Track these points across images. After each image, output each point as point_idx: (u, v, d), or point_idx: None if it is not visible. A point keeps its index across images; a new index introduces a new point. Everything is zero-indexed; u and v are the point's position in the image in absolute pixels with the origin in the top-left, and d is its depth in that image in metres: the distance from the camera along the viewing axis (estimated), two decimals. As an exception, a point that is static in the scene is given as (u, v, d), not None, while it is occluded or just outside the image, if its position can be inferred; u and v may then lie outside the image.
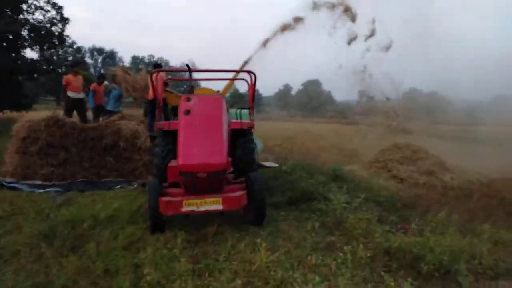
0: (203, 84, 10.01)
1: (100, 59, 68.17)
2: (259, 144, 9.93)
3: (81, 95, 8.93)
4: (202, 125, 4.26)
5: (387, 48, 11.58)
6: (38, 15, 15.10)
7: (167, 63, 63.23)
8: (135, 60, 64.10)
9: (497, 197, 8.38)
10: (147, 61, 64.37)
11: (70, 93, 8.69)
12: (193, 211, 4.03)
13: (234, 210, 4.68)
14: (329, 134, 25.81)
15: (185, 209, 3.99)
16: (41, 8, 15.00)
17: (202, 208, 4.02)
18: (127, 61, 66.69)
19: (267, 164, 8.59)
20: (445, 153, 15.36)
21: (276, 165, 8.45)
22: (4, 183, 6.31)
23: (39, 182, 6.74)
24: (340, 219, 4.57)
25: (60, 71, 47.35)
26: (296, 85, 67.85)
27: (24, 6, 14.66)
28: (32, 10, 14.91)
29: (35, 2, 14.84)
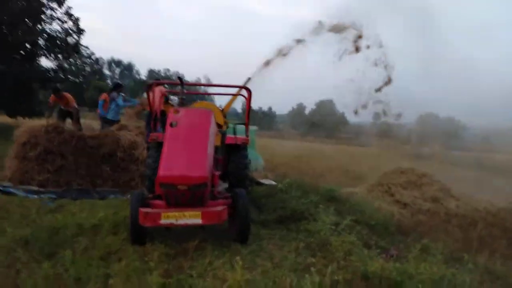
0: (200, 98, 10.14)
1: (117, 71, 69.80)
2: (260, 160, 9.90)
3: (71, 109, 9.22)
4: (187, 138, 4.26)
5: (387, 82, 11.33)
6: (55, 26, 15.64)
7: (182, 77, 64.26)
8: (151, 73, 65.39)
9: (501, 227, 8.10)
10: (163, 74, 65.53)
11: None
12: (172, 224, 3.98)
13: (217, 225, 4.66)
14: (339, 155, 25.61)
15: (163, 221, 3.94)
16: (59, 19, 15.55)
17: (181, 221, 3.96)
18: (143, 74, 68.12)
19: (264, 181, 8.53)
20: (455, 180, 14.99)
21: (274, 183, 8.37)
22: (0, 188, 6.39)
23: (34, 188, 6.81)
24: (324, 241, 4.45)
25: (78, 80, 48.75)
26: (310, 104, 68.14)
27: (43, 17, 15.21)
28: (49, 21, 15.47)
29: (53, 13, 15.39)
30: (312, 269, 3.70)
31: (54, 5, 15.47)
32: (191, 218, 3.97)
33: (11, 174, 6.98)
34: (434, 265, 3.56)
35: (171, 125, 4.39)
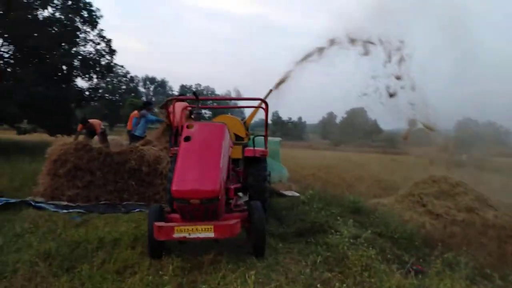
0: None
1: (152, 88, 72.24)
2: (284, 172, 9.82)
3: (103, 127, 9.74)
4: (199, 152, 4.29)
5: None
6: (89, 48, 16.50)
7: (213, 91, 65.54)
8: (183, 88, 67.18)
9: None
10: (194, 89, 67.14)
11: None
12: (185, 237, 3.99)
13: (234, 238, 4.64)
14: (371, 164, 24.94)
15: (176, 235, 3.97)
16: (92, 41, 16.38)
17: (193, 235, 3.97)
18: (176, 89, 70.07)
19: (288, 193, 8.43)
20: (495, 189, 14.16)
21: (297, 194, 8.26)
22: (32, 203, 6.71)
23: (64, 203, 7.10)
24: (342, 255, 4.30)
25: (114, 98, 50.83)
26: (341, 113, 67.17)
27: (77, 40, 16.09)
28: (84, 43, 16.34)
29: (86, 36, 16.26)
30: (329, 284, 3.60)
31: (88, 28, 16.35)
32: (204, 232, 3.97)
33: (44, 190, 7.33)
34: (457, 281, 3.34)
35: (185, 139, 4.45)
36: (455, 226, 8.21)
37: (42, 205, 6.73)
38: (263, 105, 6.36)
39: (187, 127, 4.59)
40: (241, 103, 8.43)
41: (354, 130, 58.44)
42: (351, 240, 4.49)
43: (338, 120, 68.54)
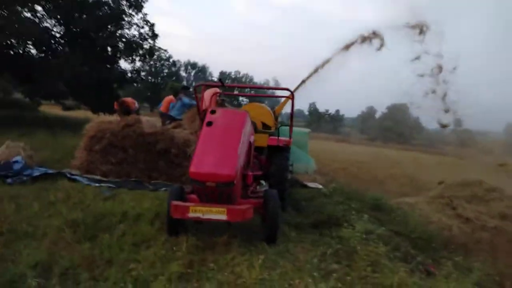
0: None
1: (193, 73, 73.60)
2: (311, 164, 9.82)
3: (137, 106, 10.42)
4: (219, 137, 4.43)
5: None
6: (133, 31, 17.10)
7: (251, 79, 65.68)
8: (223, 75, 67.85)
9: None
10: (233, 76, 67.68)
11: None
12: (199, 218, 4.17)
13: (250, 224, 4.81)
14: (407, 162, 24.15)
15: (191, 215, 4.15)
16: (137, 24, 16.96)
17: (207, 216, 4.14)
18: (215, 75, 70.94)
19: (311, 184, 8.44)
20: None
21: (320, 186, 8.25)
22: (68, 175, 7.20)
23: (97, 177, 7.54)
24: (353, 249, 4.32)
25: (156, 81, 52.34)
26: (382, 108, 65.10)
27: (123, 23, 16.73)
28: (128, 27, 16.95)
29: (131, 19, 16.85)
30: (334, 275, 3.65)
31: (133, 12, 16.92)
32: (217, 214, 4.13)
33: (80, 164, 7.81)
34: (464, 285, 3.28)
35: (207, 124, 4.60)
36: (484, 232, 7.88)
37: (77, 177, 7.20)
38: (291, 95, 6.39)
39: (211, 112, 4.74)
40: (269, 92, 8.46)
41: (394, 126, 56.60)
42: (364, 235, 4.48)
43: (378, 115, 66.60)
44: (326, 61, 9.90)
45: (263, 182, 6.90)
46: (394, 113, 56.92)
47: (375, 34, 9.96)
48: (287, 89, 6.27)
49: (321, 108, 65.49)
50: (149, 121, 10.72)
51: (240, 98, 42.20)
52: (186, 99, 10.23)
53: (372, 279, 3.46)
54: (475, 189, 9.60)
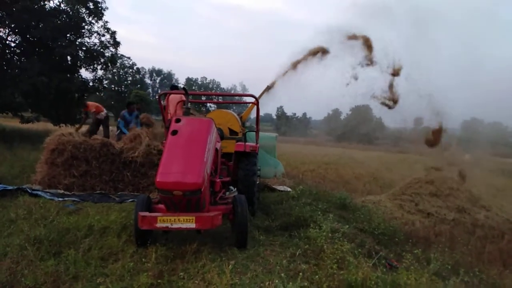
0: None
1: (158, 80, 72.46)
2: (279, 167, 9.96)
3: (104, 114, 10.34)
4: (185, 146, 4.43)
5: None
6: (94, 39, 16.65)
7: (218, 85, 65.58)
8: (189, 81, 67.25)
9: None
10: (200, 82, 67.18)
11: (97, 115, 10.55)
12: (167, 227, 4.15)
13: (220, 230, 4.85)
14: (372, 162, 24.98)
15: (159, 225, 4.13)
16: (97, 32, 16.54)
17: (175, 226, 4.13)
18: (181, 82, 70.23)
19: (280, 188, 8.57)
20: (494, 190, 14.19)
21: (289, 189, 8.39)
22: (29, 190, 6.91)
23: (61, 191, 7.30)
24: (320, 248, 4.45)
25: (120, 89, 51.07)
26: (346, 110, 66.86)
27: (82, 31, 16.26)
28: (88, 35, 16.50)
29: (91, 27, 16.41)
30: (302, 275, 3.75)
31: (93, 20, 16.47)
32: (186, 222, 4.13)
33: (41, 178, 7.52)
34: (423, 276, 3.47)
35: (172, 133, 4.60)
36: (444, 225, 8.33)
37: (39, 192, 6.93)
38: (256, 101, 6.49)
39: (176, 121, 4.74)
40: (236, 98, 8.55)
41: (357, 127, 58.31)
42: (330, 234, 4.63)
43: (343, 117, 68.34)
44: (285, 72, 10.20)
45: (232, 187, 6.96)
46: (358, 114, 58.67)
47: (321, 49, 10.44)
48: (252, 96, 6.38)
49: (289, 112, 66.59)
50: (113, 131, 10.60)
51: (208, 105, 42.07)
52: (127, 115, 10.19)
53: (338, 276, 3.58)
54: (437, 184, 10.12)
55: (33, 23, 14.93)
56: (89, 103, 11.17)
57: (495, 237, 7.54)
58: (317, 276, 3.68)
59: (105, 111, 11.20)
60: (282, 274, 3.63)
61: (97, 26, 16.47)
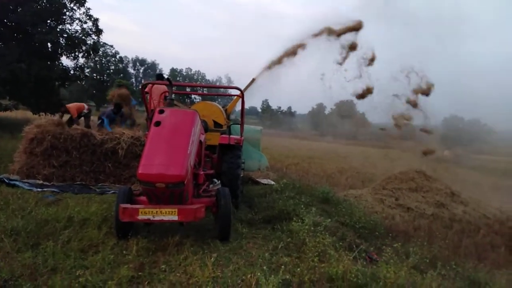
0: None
1: (141, 69, 71.30)
2: (263, 160, 9.98)
3: (86, 110, 10.36)
4: (168, 137, 4.37)
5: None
6: (75, 26, 16.25)
7: (203, 76, 65.02)
8: (174, 72, 66.41)
9: (506, 236, 7.88)
10: (185, 73, 66.44)
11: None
12: (149, 220, 4.10)
13: (203, 222, 4.82)
14: (355, 156, 25.35)
15: (141, 217, 4.08)
16: (79, 19, 16.13)
17: (157, 218, 4.09)
18: (166, 72, 69.37)
19: (263, 181, 8.59)
20: (471, 185, 14.57)
21: (273, 182, 8.43)
22: (5, 180, 6.73)
23: (39, 182, 7.13)
24: (302, 241, 4.49)
25: (102, 78, 50.02)
26: (330, 105, 67.50)
27: (64, 17, 15.83)
28: (70, 21, 16.08)
29: (73, 14, 16.00)
30: (284, 267, 3.78)
31: (75, 6, 16.06)
32: (168, 215, 4.09)
33: (19, 168, 7.33)
34: (401, 269, 3.55)
35: (155, 124, 4.53)
36: (423, 219, 8.52)
37: (17, 182, 6.76)
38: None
39: (159, 112, 4.67)
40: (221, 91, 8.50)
41: (341, 122, 58.82)
42: (312, 228, 4.67)
43: (327, 112, 68.93)
44: (271, 63, 10.18)
45: (215, 180, 6.94)
46: (342, 109, 59.14)
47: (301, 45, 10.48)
48: (237, 88, 6.33)
49: (274, 105, 66.76)
50: (94, 121, 10.39)
51: (193, 96, 41.74)
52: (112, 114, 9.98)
53: (319, 268, 3.62)
54: (416, 179, 10.33)
55: (11, 7, 14.44)
56: (70, 106, 10.46)
57: (471, 232, 7.76)
58: (298, 269, 3.70)
59: (86, 107, 10.78)
60: (264, 267, 3.64)
61: (78, 13, 16.12)
